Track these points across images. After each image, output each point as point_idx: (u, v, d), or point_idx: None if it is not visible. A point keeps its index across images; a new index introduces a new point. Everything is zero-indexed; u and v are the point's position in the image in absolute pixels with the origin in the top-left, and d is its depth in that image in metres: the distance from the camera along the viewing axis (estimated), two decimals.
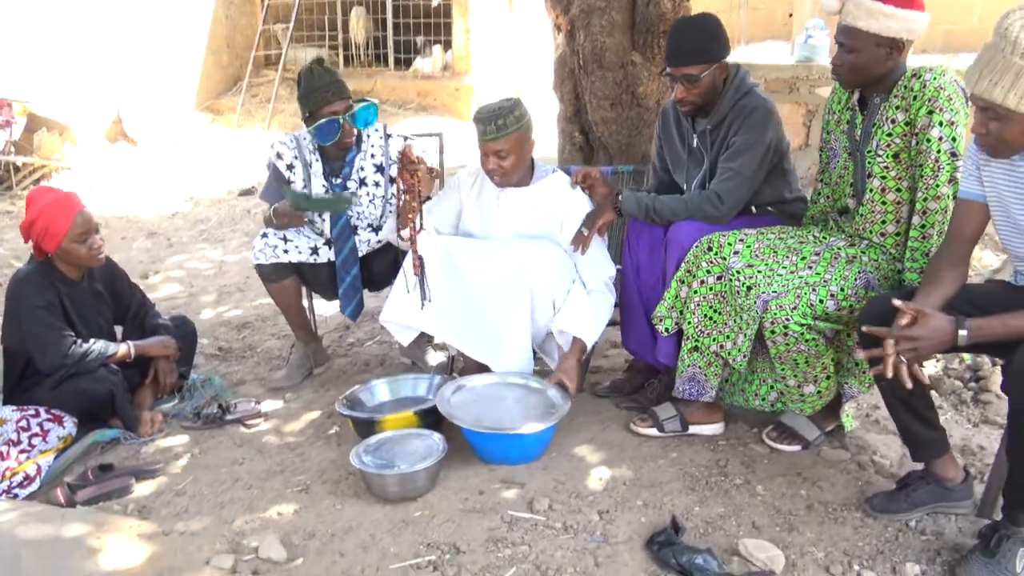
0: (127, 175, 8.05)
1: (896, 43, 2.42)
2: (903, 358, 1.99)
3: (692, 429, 2.80)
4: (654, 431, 2.79)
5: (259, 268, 3.32)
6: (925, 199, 2.40)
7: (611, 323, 3.07)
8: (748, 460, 2.66)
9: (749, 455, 2.69)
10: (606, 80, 4.09)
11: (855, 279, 2.48)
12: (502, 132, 2.82)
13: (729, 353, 2.64)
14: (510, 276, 2.86)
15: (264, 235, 3.32)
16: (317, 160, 3.34)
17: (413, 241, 2.87)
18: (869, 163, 2.54)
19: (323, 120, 3.20)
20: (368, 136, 3.39)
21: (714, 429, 2.82)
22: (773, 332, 2.47)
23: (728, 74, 2.84)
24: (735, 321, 2.63)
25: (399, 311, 2.97)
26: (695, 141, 2.93)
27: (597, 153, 4.38)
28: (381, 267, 3.43)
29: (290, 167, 3.34)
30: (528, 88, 10.11)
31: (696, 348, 2.71)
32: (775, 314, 2.45)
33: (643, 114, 4.15)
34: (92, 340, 2.95)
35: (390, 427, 2.70)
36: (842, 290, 2.45)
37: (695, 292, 2.68)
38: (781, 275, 2.54)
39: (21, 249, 5.73)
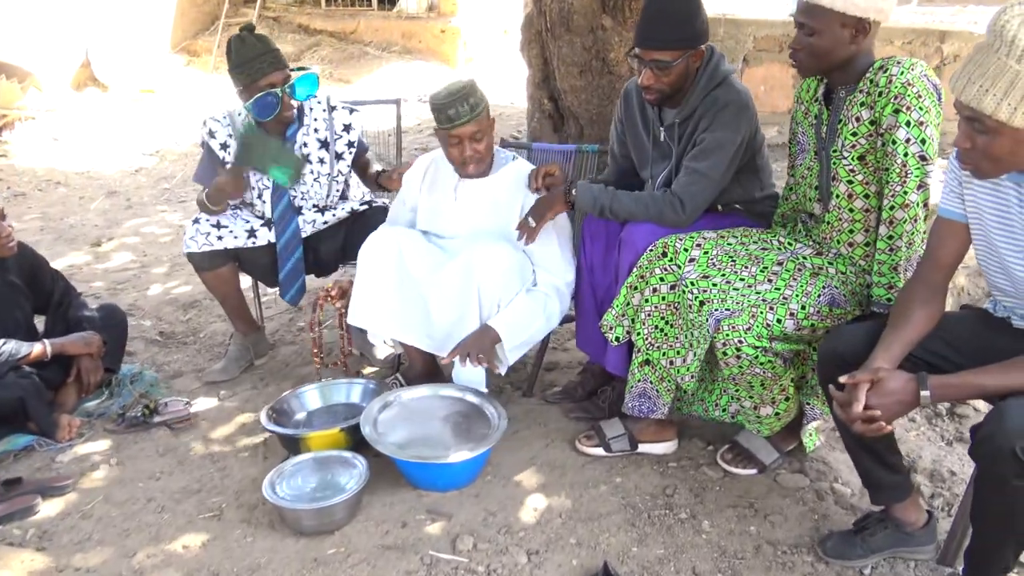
0: (94, 125, 7.75)
1: (862, 24, 2.13)
2: (862, 428, 1.77)
3: (642, 448, 2.60)
4: (600, 451, 2.59)
5: (190, 256, 3.09)
6: (892, 207, 2.15)
7: (567, 319, 2.85)
8: (698, 487, 2.46)
9: (700, 481, 2.49)
10: (574, 45, 3.79)
11: (819, 295, 2.24)
12: (475, 112, 2.59)
13: (678, 371, 2.42)
14: (458, 279, 2.64)
15: (196, 220, 3.08)
16: None
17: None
18: (834, 164, 2.27)
19: (260, 94, 2.91)
20: (311, 109, 3.12)
21: (665, 448, 2.62)
22: (725, 353, 2.24)
23: (702, 60, 2.53)
24: (686, 336, 2.41)
25: (362, 315, 2.75)
26: (662, 134, 2.64)
27: (567, 123, 4.10)
28: (328, 250, 3.21)
29: (224, 146, 3.07)
30: (516, 34, 9.69)
31: (647, 362, 2.50)
32: (727, 335, 2.23)
33: (614, 82, 3.86)
34: (1, 341, 2.74)
35: (315, 445, 2.51)
36: (803, 308, 2.22)
37: (647, 301, 2.45)
38: (738, 289, 2.30)
39: None
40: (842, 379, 1.81)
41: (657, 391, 2.51)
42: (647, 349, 2.48)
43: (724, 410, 2.61)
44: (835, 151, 2.26)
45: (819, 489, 2.45)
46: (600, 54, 3.76)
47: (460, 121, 2.58)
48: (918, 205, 2.12)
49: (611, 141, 2.87)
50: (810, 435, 2.54)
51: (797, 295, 2.24)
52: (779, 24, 5.17)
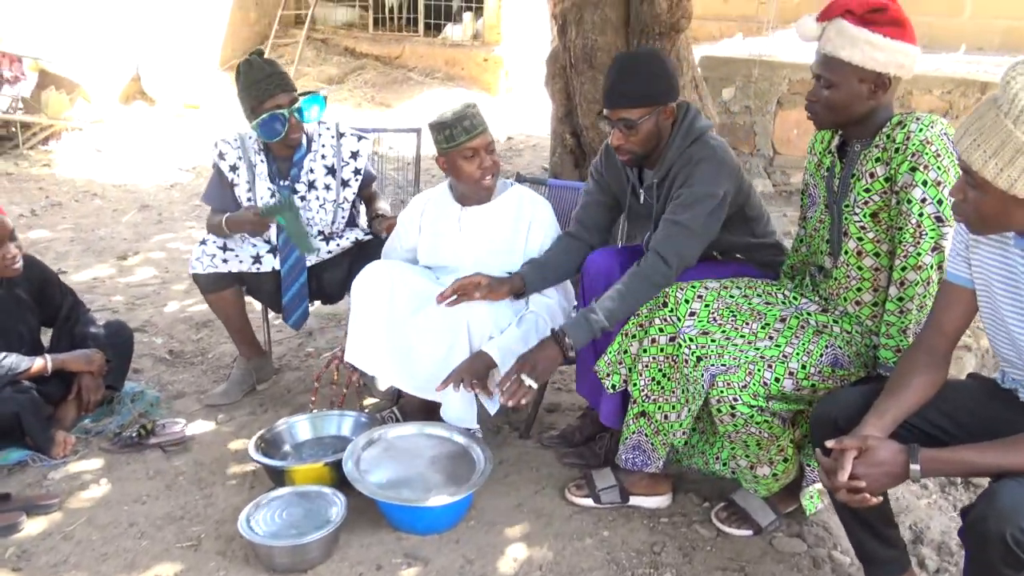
0: (137, 138, 7.90)
1: (881, 79, 2.05)
2: (847, 498, 1.67)
3: (633, 501, 2.52)
4: (589, 501, 2.51)
5: (195, 277, 3.10)
6: (904, 268, 2.05)
7: (568, 360, 2.79)
8: (688, 546, 2.36)
9: (690, 539, 2.39)
10: (597, 82, 3.74)
11: (821, 355, 2.15)
12: (484, 124, 2.65)
13: (671, 426, 2.34)
14: (446, 313, 2.61)
15: (203, 241, 3.09)
16: (262, 161, 3.08)
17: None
18: (846, 220, 2.18)
19: (266, 115, 2.93)
20: (319, 135, 3.12)
21: (658, 502, 2.52)
22: (719, 410, 2.16)
23: (676, 118, 2.46)
24: (682, 391, 2.32)
25: (357, 354, 2.73)
26: (641, 195, 2.58)
27: (588, 159, 4.05)
28: (333, 279, 3.20)
29: (233, 168, 3.09)
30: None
31: (643, 414, 2.41)
32: (722, 391, 2.14)
33: None
34: (2, 355, 2.76)
35: (300, 478, 2.47)
36: (804, 367, 2.13)
37: (645, 351, 2.38)
38: (736, 344, 2.21)
39: (10, 218, 5.61)
40: (829, 443, 1.72)
41: (652, 444, 2.43)
42: (643, 401, 2.40)
43: (725, 464, 2.52)
44: (847, 206, 2.17)
45: (816, 556, 2.34)
46: None
47: (475, 132, 2.61)
48: (932, 268, 2.03)
49: (586, 189, 2.79)
50: (810, 498, 2.43)
51: (798, 353, 2.15)
52: None
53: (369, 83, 10.28)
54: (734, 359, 2.18)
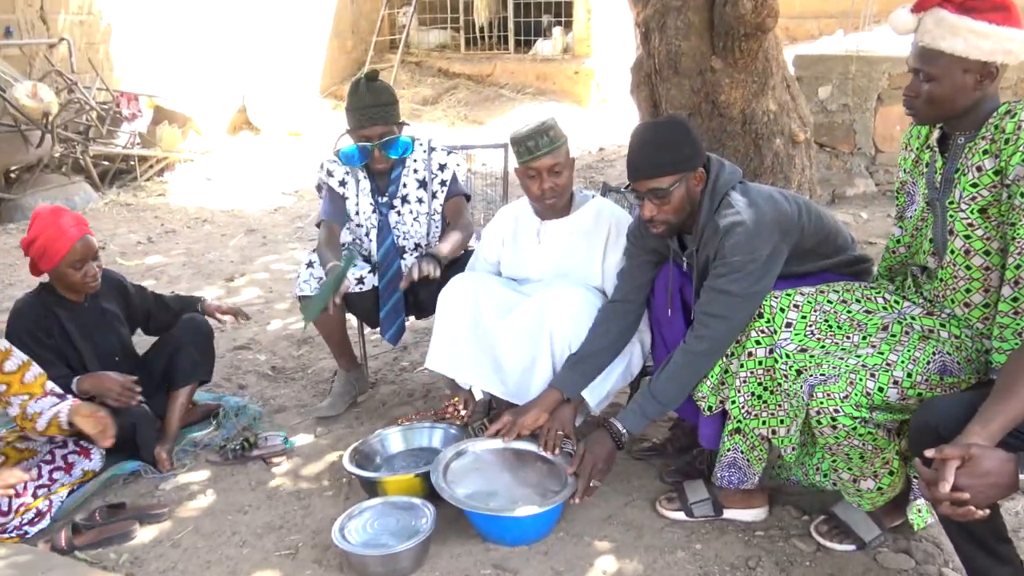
0: (243, 165, 8.30)
1: (988, 68, 1.93)
2: (950, 511, 1.57)
3: (727, 514, 2.44)
4: (681, 515, 2.45)
5: (301, 299, 3.21)
6: (1018, 266, 1.92)
7: (644, 372, 2.75)
8: (785, 560, 2.27)
9: (788, 553, 2.30)
10: (683, 87, 3.69)
11: (928, 362, 2.03)
12: (555, 143, 2.62)
13: (780, 441, 2.26)
14: (529, 323, 2.65)
15: (310, 264, 3.19)
16: (365, 177, 3.21)
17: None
18: (951, 217, 2.06)
19: (353, 145, 3.10)
20: (412, 151, 3.21)
21: (754, 515, 2.44)
22: (819, 422, 2.07)
23: (705, 182, 2.32)
24: (790, 405, 2.24)
25: (439, 360, 2.80)
26: (684, 265, 2.45)
27: None
28: (428, 293, 3.24)
29: (343, 183, 3.22)
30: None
31: (738, 431, 2.33)
32: (822, 403, 2.05)
33: (725, 125, 3.73)
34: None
35: (391, 489, 2.51)
36: (909, 376, 2.01)
37: (742, 366, 2.29)
38: (836, 355, 2.12)
39: (128, 245, 5.99)
40: (928, 453, 1.62)
41: (748, 460, 2.35)
42: (744, 418, 2.31)
43: (826, 476, 2.42)
44: (951, 203, 2.06)
45: (925, 573, 2.21)
46: (710, 96, 3.65)
47: (539, 153, 2.60)
48: None
49: (626, 250, 2.63)
50: (918, 511, 2.30)
51: (903, 361, 2.04)
52: None
53: (462, 102, 10.47)
54: (834, 368, 2.09)
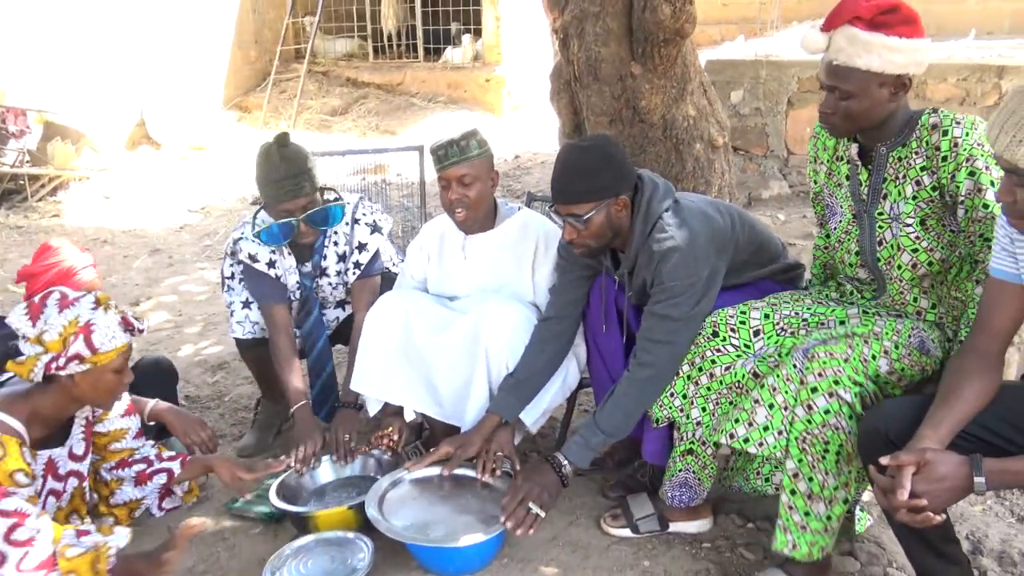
0: (144, 182, 7.90)
1: (900, 81, 1.95)
2: (907, 518, 1.56)
3: (673, 527, 2.40)
4: (627, 532, 2.39)
5: (237, 341, 3.04)
6: (969, 219, 1.94)
7: (583, 385, 2.70)
8: (735, 571, 2.24)
9: (737, 565, 2.27)
10: (603, 94, 3.67)
11: (908, 335, 2.03)
12: (465, 154, 2.51)
13: (745, 441, 2.10)
14: (464, 341, 2.55)
15: (247, 304, 2.98)
16: (289, 254, 2.92)
17: None
18: (880, 228, 2.07)
19: (273, 224, 2.77)
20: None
21: (699, 526, 2.40)
22: (815, 390, 1.94)
23: (632, 208, 2.26)
24: (768, 393, 2.10)
25: (365, 381, 2.68)
26: (617, 282, 2.42)
27: None
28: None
29: (271, 263, 2.91)
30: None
31: (691, 451, 2.27)
32: (824, 362, 1.95)
33: (646, 131, 3.73)
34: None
35: (323, 524, 2.37)
36: (896, 347, 2.00)
37: (707, 389, 2.22)
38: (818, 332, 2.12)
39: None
40: (883, 460, 1.61)
41: (699, 479, 2.30)
42: (694, 440, 2.26)
43: (767, 480, 2.40)
44: (880, 214, 2.06)
45: (870, 575, 2.21)
46: (630, 103, 3.63)
47: (448, 162, 2.51)
48: (996, 206, 1.87)
49: (557, 263, 2.57)
50: (860, 514, 2.31)
51: (888, 332, 2.03)
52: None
53: (372, 112, 10.28)
54: (826, 335, 2.06)
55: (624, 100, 3.65)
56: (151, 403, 2.74)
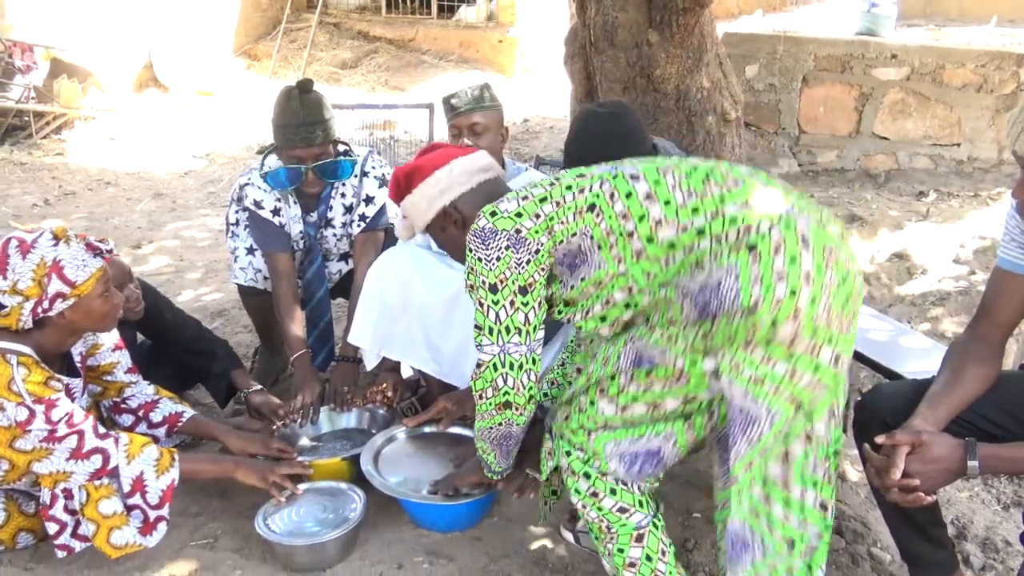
0: (150, 125, 7.85)
1: None
2: (899, 498, 1.57)
3: None
4: (570, 536, 2.29)
5: (240, 287, 3.04)
6: None
7: None
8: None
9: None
10: (618, 60, 3.63)
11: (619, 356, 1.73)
12: (479, 104, 2.53)
13: None
14: (466, 302, 2.52)
15: (251, 251, 2.97)
16: (294, 202, 2.90)
17: None
18: None
19: (281, 168, 2.77)
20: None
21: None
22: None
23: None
24: None
25: (363, 335, 2.67)
26: None
27: None
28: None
29: (276, 211, 2.88)
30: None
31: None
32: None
33: (659, 100, 3.69)
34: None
35: (317, 474, 2.39)
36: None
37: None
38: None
39: (23, 208, 5.58)
40: (879, 439, 1.62)
41: None
42: None
43: None
44: None
45: (855, 553, 2.24)
46: (645, 71, 3.59)
47: (464, 109, 2.52)
48: None
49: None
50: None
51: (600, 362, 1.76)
52: (841, 43, 4.91)
53: (382, 67, 10.16)
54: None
55: (639, 68, 3.61)
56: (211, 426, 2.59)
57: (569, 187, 1.68)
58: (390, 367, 2.79)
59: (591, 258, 1.64)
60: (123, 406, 2.47)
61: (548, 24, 10.14)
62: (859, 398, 1.92)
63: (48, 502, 2.07)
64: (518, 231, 1.66)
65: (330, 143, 2.77)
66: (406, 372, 2.90)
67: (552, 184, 1.71)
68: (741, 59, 5.02)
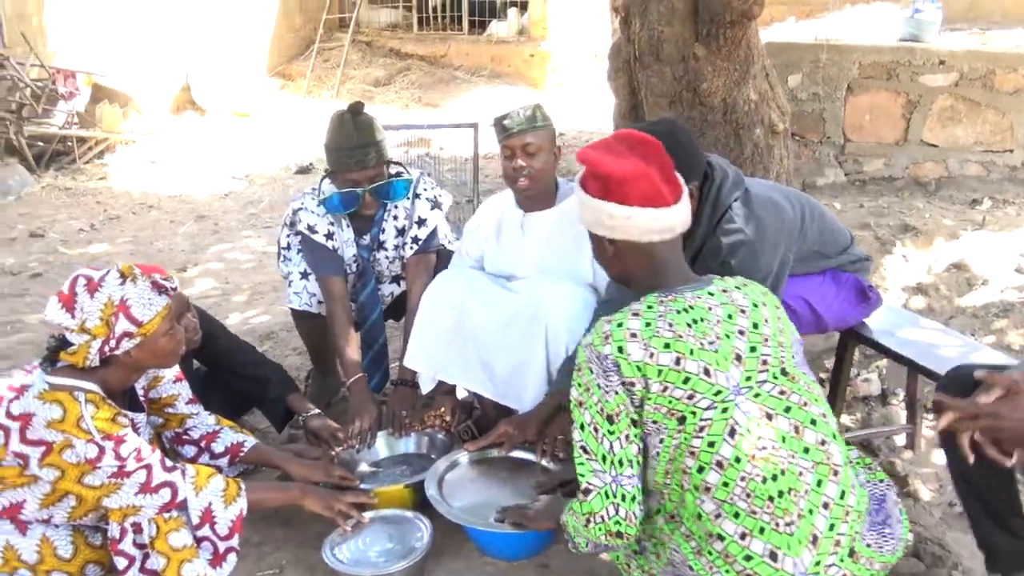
0: (189, 148, 7.96)
1: None
2: (979, 438, 1.52)
3: None
4: None
5: (294, 312, 3.03)
6: None
7: None
8: None
9: None
10: (664, 75, 3.59)
11: None
12: (532, 124, 2.50)
13: None
14: (524, 322, 2.52)
15: (305, 275, 2.97)
16: (348, 225, 2.92)
17: None
18: None
19: (337, 192, 2.78)
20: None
21: None
22: None
23: (703, 190, 2.25)
24: None
25: (419, 359, 2.68)
26: None
27: None
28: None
29: (329, 235, 2.89)
30: (606, 61, 9.53)
31: None
32: None
33: (706, 114, 3.64)
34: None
35: (382, 501, 2.37)
36: None
37: None
38: None
39: (70, 233, 5.66)
40: (978, 374, 1.59)
41: None
42: None
43: None
44: None
45: None
46: (691, 85, 3.55)
47: (517, 129, 2.50)
48: None
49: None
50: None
51: None
52: (887, 50, 4.83)
53: (415, 84, 10.23)
54: None
55: (685, 82, 3.57)
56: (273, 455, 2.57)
57: (687, 379, 1.63)
58: (446, 390, 2.77)
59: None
60: (185, 437, 2.47)
61: (579, 38, 10.16)
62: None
63: (117, 536, 2.07)
64: (633, 384, 1.64)
65: (383, 164, 2.79)
66: (461, 395, 2.88)
67: (690, 353, 1.65)
68: (784, 68, 4.95)
